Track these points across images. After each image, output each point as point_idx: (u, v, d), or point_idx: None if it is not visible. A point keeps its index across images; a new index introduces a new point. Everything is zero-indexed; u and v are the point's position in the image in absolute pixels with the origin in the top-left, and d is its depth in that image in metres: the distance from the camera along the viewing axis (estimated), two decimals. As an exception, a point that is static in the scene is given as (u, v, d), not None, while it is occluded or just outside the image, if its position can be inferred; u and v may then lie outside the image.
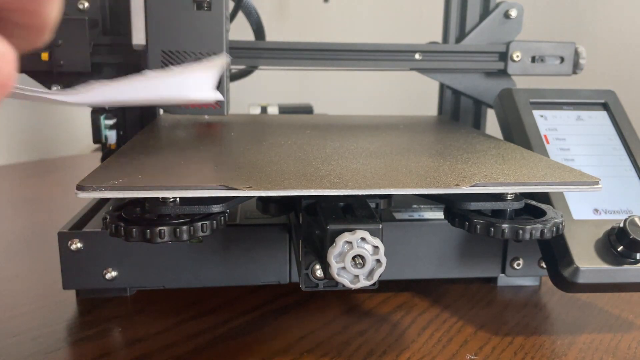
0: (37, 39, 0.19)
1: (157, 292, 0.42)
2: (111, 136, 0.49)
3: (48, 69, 0.45)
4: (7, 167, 0.90)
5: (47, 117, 0.95)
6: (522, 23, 0.53)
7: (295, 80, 0.92)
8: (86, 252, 0.39)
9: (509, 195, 0.32)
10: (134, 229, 0.29)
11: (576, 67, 0.53)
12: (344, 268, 0.28)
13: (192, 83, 0.32)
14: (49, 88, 0.47)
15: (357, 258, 0.28)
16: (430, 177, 0.30)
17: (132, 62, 0.48)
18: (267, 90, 0.86)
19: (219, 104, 0.45)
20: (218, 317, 0.39)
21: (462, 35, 0.54)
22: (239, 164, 0.33)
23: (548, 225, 0.32)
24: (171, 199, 0.30)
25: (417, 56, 0.52)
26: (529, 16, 0.55)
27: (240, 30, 0.56)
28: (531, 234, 0.31)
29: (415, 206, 0.46)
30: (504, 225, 0.31)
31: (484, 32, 0.53)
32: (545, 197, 0.38)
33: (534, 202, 0.36)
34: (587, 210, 0.38)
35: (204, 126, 0.47)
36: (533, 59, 0.52)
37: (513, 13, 0.53)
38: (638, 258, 0.35)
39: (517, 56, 0.52)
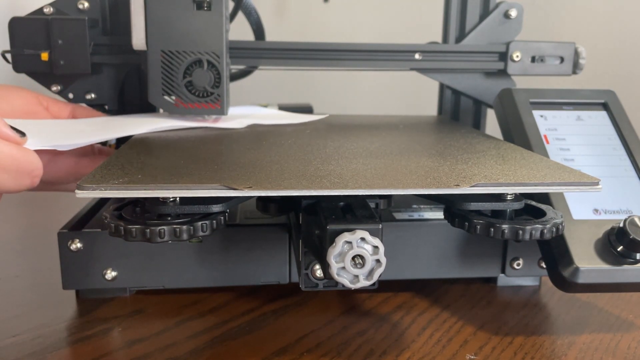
0: None
1: (157, 292, 0.42)
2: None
3: (48, 69, 0.45)
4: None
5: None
6: (522, 23, 0.53)
7: (295, 80, 0.92)
8: (86, 252, 0.39)
9: (508, 196, 0.32)
10: (134, 229, 0.29)
11: (576, 67, 0.53)
12: (343, 268, 0.28)
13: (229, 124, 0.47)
14: (49, 88, 0.47)
15: (356, 258, 0.28)
16: (430, 178, 0.30)
17: (132, 62, 0.48)
18: (267, 90, 0.85)
19: (219, 103, 0.45)
20: (218, 317, 0.39)
21: (462, 35, 0.54)
22: (239, 163, 0.33)
23: (548, 226, 0.32)
24: (171, 199, 0.30)
25: (417, 56, 0.52)
26: (528, 15, 0.55)
27: (240, 30, 0.56)
28: (531, 234, 0.31)
29: (415, 206, 0.46)
30: (504, 226, 0.31)
31: (484, 32, 0.53)
32: (545, 198, 0.38)
33: (533, 203, 0.36)
34: (587, 210, 0.38)
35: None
36: (533, 59, 0.52)
37: (513, 13, 0.53)
38: (638, 258, 0.35)
39: (517, 56, 0.52)
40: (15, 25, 0.44)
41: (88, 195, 0.27)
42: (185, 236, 0.29)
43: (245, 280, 0.41)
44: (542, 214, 0.34)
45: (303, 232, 0.33)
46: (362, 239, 0.28)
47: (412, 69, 0.53)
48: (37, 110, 0.42)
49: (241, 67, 0.54)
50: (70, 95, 0.48)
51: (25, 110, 0.41)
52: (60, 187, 0.46)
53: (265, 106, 0.62)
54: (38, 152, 0.34)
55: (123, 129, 0.42)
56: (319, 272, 0.32)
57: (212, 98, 0.45)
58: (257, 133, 0.45)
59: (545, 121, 0.44)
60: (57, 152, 0.42)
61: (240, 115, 0.51)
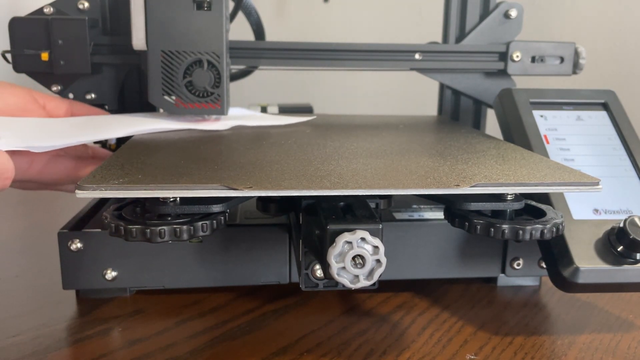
0: None
1: (157, 292, 0.42)
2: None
3: (48, 69, 0.45)
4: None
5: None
6: (522, 23, 0.53)
7: (295, 80, 0.92)
8: (86, 252, 0.39)
9: (509, 196, 0.32)
10: (134, 229, 0.29)
11: (576, 67, 0.53)
12: (344, 268, 0.28)
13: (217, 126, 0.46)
14: (49, 88, 0.47)
15: (357, 258, 0.28)
16: (431, 178, 0.30)
17: (132, 62, 0.48)
18: (267, 90, 0.86)
19: (219, 104, 0.45)
20: (218, 317, 0.39)
21: (462, 35, 0.54)
22: (239, 163, 0.33)
23: (548, 226, 0.32)
24: (171, 199, 0.30)
25: (417, 56, 0.52)
26: (528, 15, 0.55)
27: (240, 30, 0.56)
28: (531, 234, 0.31)
29: (415, 206, 0.46)
30: (504, 226, 0.31)
31: (484, 32, 0.53)
32: (545, 198, 0.38)
33: (534, 203, 0.36)
34: (587, 210, 0.38)
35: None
36: (533, 59, 0.52)
37: (513, 13, 0.53)
38: (638, 258, 0.35)
39: (517, 56, 0.52)
40: (15, 25, 0.44)
41: (88, 195, 0.27)
42: (185, 236, 0.29)
43: (245, 280, 0.41)
44: (542, 214, 0.34)
45: (303, 232, 0.33)
46: (363, 239, 0.28)
47: (412, 69, 0.53)
48: (32, 108, 0.41)
49: (241, 67, 0.54)
50: (71, 95, 0.48)
51: (19, 108, 0.41)
52: (59, 187, 0.46)
53: (265, 106, 0.62)
54: (36, 153, 0.33)
55: (103, 131, 0.41)
56: (319, 272, 0.32)
57: (212, 98, 0.45)
58: (257, 133, 0.45)
59: (545, 121, 0.44)
60: (57, 154, 0.42)
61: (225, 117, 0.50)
